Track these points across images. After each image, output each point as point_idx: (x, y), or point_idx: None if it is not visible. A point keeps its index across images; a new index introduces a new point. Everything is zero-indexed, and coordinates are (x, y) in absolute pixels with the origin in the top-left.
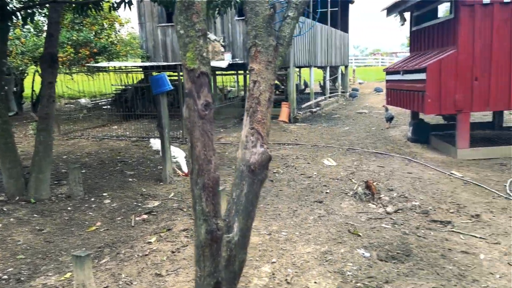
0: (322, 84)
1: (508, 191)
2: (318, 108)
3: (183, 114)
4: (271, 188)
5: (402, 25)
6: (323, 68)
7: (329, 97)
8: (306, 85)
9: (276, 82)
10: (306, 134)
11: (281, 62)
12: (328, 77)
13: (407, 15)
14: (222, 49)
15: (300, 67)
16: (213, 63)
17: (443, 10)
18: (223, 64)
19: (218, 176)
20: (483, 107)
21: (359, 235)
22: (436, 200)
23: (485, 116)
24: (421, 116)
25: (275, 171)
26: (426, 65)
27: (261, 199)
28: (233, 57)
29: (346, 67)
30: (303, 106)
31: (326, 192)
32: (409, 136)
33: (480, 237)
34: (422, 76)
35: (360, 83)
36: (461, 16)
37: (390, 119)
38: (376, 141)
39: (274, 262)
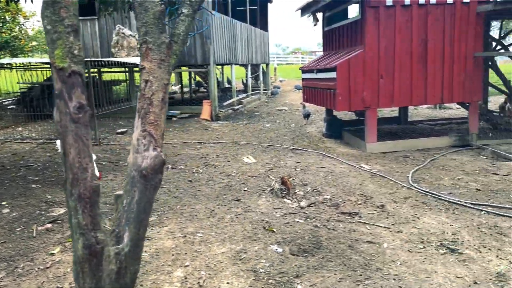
0: (245, 82)
1: (410, 181)
2: (240, 106)
3: (54, 117)
4: (189, 189)
5: (315, 25)
6: (245, 66)
7: (251, 94)
8: (229, 82)
9: (200, 79)
10: (228, 132)
11: (175, 61)
12: (249, 75)
13: (319, 15)
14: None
15: (221, 65)
16: (129, 59)
17: (356, 10)
18: (139, 60)
19: (97, 185)
20: (389, 104)
21: (274, 231)
22: (346, 192)
23: (393, 111)
24: (336, 112)
25: (194, 171)
26: (336, 64)
27: (178, 201)
28: None
29: (267, 65)
30: (226, 103)
31: (244, 190)
32: (324, 132)
33: (384, 227)
34: (332, 74)
35: (281, 81)
36: (367, 17)
37: (307, 115)
38: (294, 138)
39: (187, 266)
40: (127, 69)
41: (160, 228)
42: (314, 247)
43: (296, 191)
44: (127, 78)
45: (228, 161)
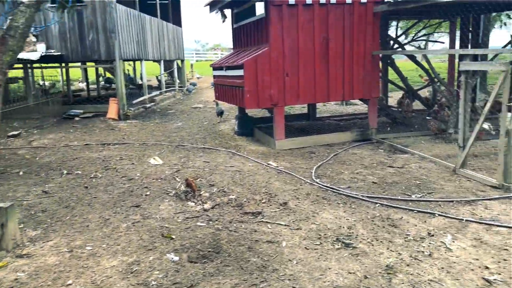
0: (159, 78)
1: (313, 177)
2: (152, 104)
3: None
4: (83, 196)
5: (223, 21)
6: (158, 61)
7: (165, 92)
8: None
9: (110, 76)
10: (136, 131)
11: (12, 58)
12: (163, 71)
13: (227, 12)
14: (34, 39)
15: (130, 60)
16: (23, 55)
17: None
18: (34, 56)
19: None
20: (295, 101)
21: (172, 238)
22: (252, 191)
23: (304, 108)
24: (250, 110)
25: (92, 176)
26: (243, 61)
27: (69, 210)
28: (47, 48)
29: (182, 61)
30: (136, 101)
31: (146, 195)
32: (236, 129)
33: (285, 225)
34: (240, 72)
35: (198, 78)
36: (271, 15)
37: (220, 113)
38: (206, 136)
39: (69, 285)
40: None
41: (44, 243)
42: (213, 252)
43: (201, 192)
44: (26, 75)
45: (133, 164)
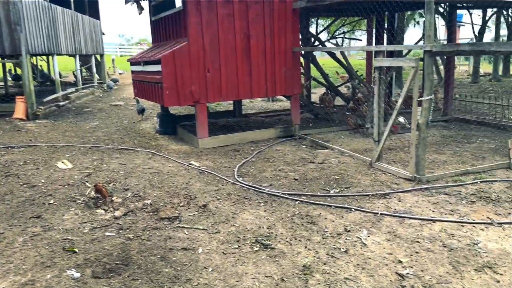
0: (75, 74)
1: (235, 176)
2: (67, 102)
3: None
4: None
5: (140, 13)
6: (73, 56)
7: (83, 88)
8: (60, 75)
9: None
10: (46, 132)
11: None
12: (78, 67)
13: (144, 3)
14: None
15: (40, 55)
16: None
17: None
18: None
19: None
20: (217, 98)
21: (75, 252)
22: (170, 194)
23: (230, 104)
24: (173, 107)
25: None
26: (160, 56)
27: None
28: None
29: (102, 56)
30: (48, 99)
31: (50, 203)
32: (158, 128)
33: (203, 229)
34: (158, 67)
35: (120, 73)
36: (189, 8)
37: (141, 111)
38: (125, 136)
39: None
40: None
41: None
42: (122, 265)
43: (113, 198)
44: None
45: (38, 169)
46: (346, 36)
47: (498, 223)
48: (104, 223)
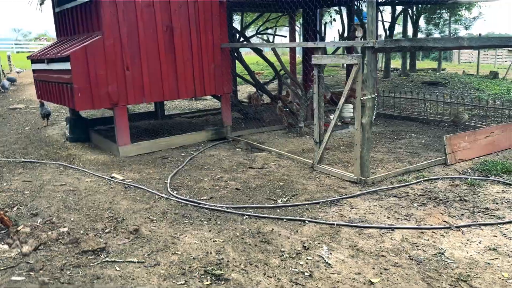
0: None
1: (168, 189)
2: None
3: None
4: None
5: (41, 4)
6: None
7: None
8: None
9: None
10: None
11: None
12: None
13: None
14: None
15: None
16: None
17: None
18: None
19: None
20: (140, 99)
21: None
22: (92, 218)
23: (151, 105)
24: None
25: None
26: (69, 52)
27: None
28: None
29: None
30: None
31: None
32: (68, 135)
33: (138, 262)
34: (67, 65)
35: (18, 72)
36: None
37: (47, 115)
38: (29, 145)
39: None
40: None
41: None
42: None
43: (19, 228)
44: None
45: None
46: (271, 32)
47: (456, 227)
48: (8, 263)
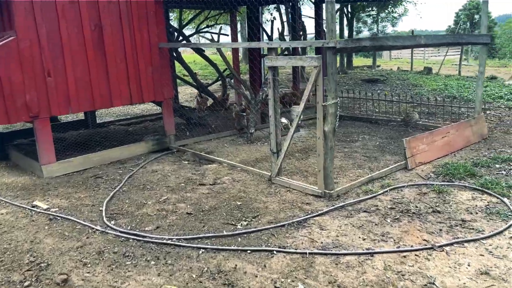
0: None
1: (104, 220)
2: None
3: None
4: None
5: None
6: None
7: None
8: None
9: None
10: None
11: None
12: None
13: None
14: None
15: None
16: None
17: None
18: None
19: None
20: (65, 109)
21: None
22: (7, 265)
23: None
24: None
25: None
26: None
27: None
28: None
29: None
30: None
31: None
32: None
33: None
34: None
35: None
36: None
37: None
38: None
39: None
40: None
41: None
42: None
43: None
44: None
45: None
46: (213, 31)
47: (439, 246)
48: None
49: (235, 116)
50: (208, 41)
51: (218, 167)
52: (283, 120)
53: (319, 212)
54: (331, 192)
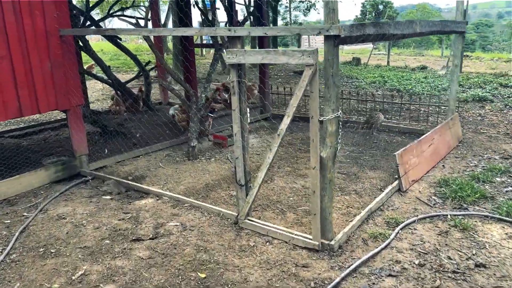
0: None
1: None
2: None
3: None
4: None
5: None
6: None
7: None
8: None
9: None
10: None
11: None
12: None
13: None
14: None
15: None
16: None
17: None
18: None
19: None
20: None
21: None
22: None
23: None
24: None
25: None
26: None
27: None
28: None
29: None
30: None
31: None
32: None
33: None
34: None
35: None
36: None
37: None
38: None
39: None
40: None
41: None
42: None
43: None
44: None
45: None
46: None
47: None
48: None
49: (181, 122)
50: (131, 26)
51: (157, 203)
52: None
53: (331, 284)
54: (331, 242)
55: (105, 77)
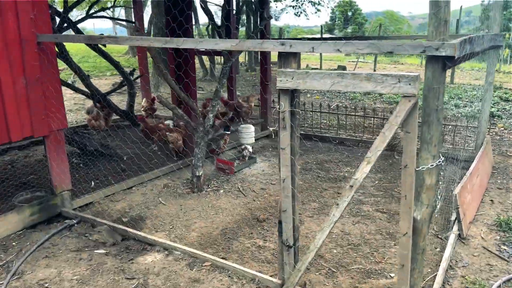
0: None
1: None
2: None
3: None
4: None
5: None
6: None
7: None
8: None
9: None
10: None
11: None
12: None
13: None
14: None
15: None
16: None
17: None
18: None
19: None
20: None
21: None
22: None
23: None
24: None
25: None
26: None
27: None
28: None
29: None
30: None
31: None
32: None
33: None
34: None
35: None
36: None
37: None
38: None
39: None
40: None
41: None
42: None
43: None
44: None
45: None
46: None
47: None
48: None
49: (175, 141)
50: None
51: (167, 262)
52: (249, 148)
53: None
54: None
55: (79, 87)
